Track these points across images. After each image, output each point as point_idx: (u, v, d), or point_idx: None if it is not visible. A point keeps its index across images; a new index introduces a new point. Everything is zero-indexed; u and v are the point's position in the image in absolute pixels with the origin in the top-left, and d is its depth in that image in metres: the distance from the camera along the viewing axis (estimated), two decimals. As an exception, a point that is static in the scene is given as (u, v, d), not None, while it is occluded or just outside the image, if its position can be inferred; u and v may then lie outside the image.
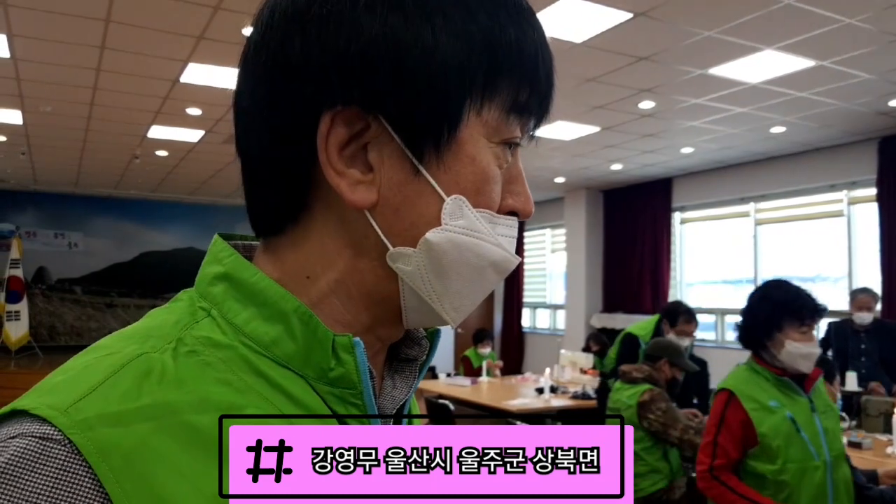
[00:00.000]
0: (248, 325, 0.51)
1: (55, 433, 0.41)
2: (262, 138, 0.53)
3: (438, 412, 5.73)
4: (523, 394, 6.26)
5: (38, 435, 0.41)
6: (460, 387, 6.63)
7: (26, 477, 0.39)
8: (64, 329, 12.71)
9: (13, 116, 6.97)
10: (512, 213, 0.55)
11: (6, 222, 12.14)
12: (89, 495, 0.40)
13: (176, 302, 0.54)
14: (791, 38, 4.71)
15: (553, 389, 6.22)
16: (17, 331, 10.50)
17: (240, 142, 0.56)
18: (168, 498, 0.41)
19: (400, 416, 0.58)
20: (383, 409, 0.56)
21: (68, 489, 0.40)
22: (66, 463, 0.40)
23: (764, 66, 5.22)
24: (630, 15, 4.42)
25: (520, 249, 12.55)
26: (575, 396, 6.07)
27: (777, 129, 7.03)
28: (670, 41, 4.83)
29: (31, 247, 12.14)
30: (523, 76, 0.53)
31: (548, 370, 6.64)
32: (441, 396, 6.12)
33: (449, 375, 7.58)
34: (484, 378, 7.07)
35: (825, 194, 7.96)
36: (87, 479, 0.40)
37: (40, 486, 0.39)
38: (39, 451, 0.40)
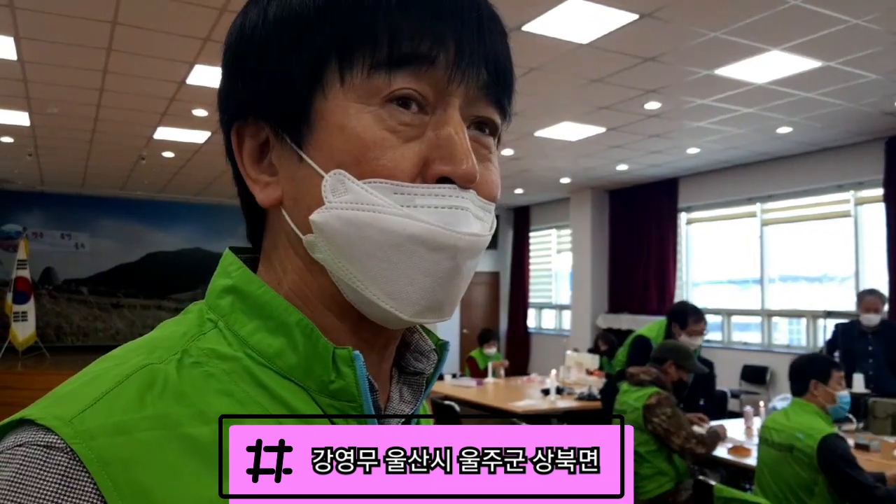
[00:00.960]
0: (252, 337, 0.52)
1: (59, 442, 0.42)
2: (228, 153, 0.59)
3: (444, 413, 5.73)
4: (529, 395, 6.25)
5: (42, 444, 0.42)
6: (466, 388, 6.63)
7: (32, 484, 0.41)
8: (71, 329, 12.76)
9: (20, 118, 7.00)
10: (445, 180, 0.50)
11: (13, 223, 12.19)
12: (92, 501, 0.41)
13: (186, 314, 0.56)
14: (797, 38, 4.69)
15: (559, 391, 6.21)
16: (25, 331, 10.54)
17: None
18: None
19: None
20: (389, 423, 0.57)
21: (71, 496, 0.41)
22: (68, 470, 0.41)
23: (770, 66, 5.21)
24: (636, 16, 4.42)
25: (525, 250, 12.65)
26: (581, 398, 6.06)
27: (783, 130, 7.01)
28: (676, 42, 4.82)
29: (38, 247, 12.19)
30: (374, 25, 0.49)
31: (553, 371, 6.63)
32: (446, 398, 6.12)
33: (454, 376, 7.58)
34: (490, 379, 7.06)
35: (832, 195, 7.93)
36: (89, 487, 0.41)
37: (45, 493, 0.41)
38: (44, 458, 0.42)
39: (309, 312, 0.53)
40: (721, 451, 4.05)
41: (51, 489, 0.41)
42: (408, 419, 0.58)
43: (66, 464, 0.41)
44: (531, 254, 12.62)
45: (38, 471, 0.41)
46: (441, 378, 7.44)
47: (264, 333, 0.52)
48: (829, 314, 5.80)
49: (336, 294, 0.53)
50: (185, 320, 0.55)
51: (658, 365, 4.02)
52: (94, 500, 0.41)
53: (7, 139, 8.03)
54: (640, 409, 3.82)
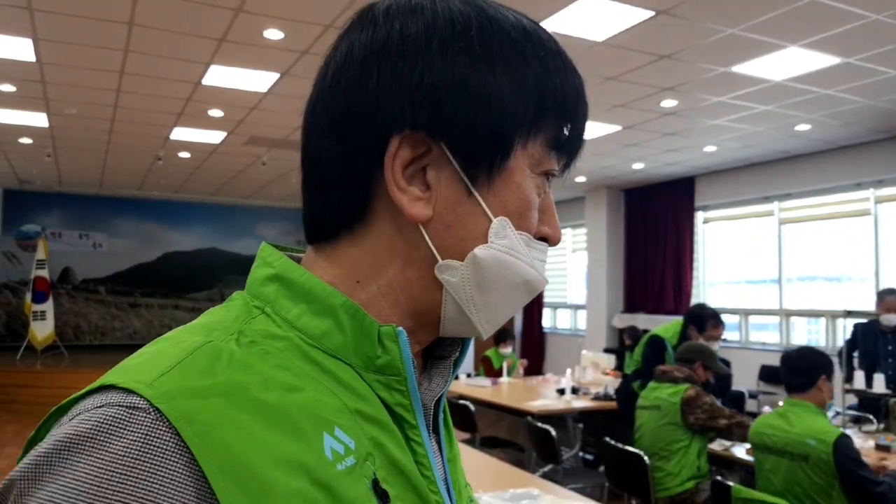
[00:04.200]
0: (299, 320, 0.56)
1: (141, 402, 0.44)
2: (333, 152, 0.58)
3: (459, 413, 5.72)
4: (544, 395, 6.23)
5: (125, 404, 0.44)
6: (481, 387, 6.62)
7: (112, 441, 0.42)
8: (89, 328, 12.88)
9: (39, 119, 7.08)
10: (543, 238, 0.62)
11: (32, 223, 12.33)
12: (174, 458, 0.43)
13: (231, 301, 0.59)
14: (816, 34, 4.64)
15: (574, 390, 6.19)
16: (43, 330, 10.66)
17: (308, 152, 0.61)
18: (247, 460, 0.44)
19: (437, 408, 0.64)
20: (424, 402, 0.61)
21: (153, 452, 0.43)
22: (150, 429, 0.43)
23: (788, 63, 5.16)
24: (652, 13, 4.39)
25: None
26: (597, 397, 6.03)
27: (802, 127, 6.94)
28: (692, 39, 4.79)
29: (57, 247, 12.32)
30: (564, 117, 0.60)
31: (569, 371, 6.61)
32: (462, 397, 6.11)
33: (469, 376, 7.57)
34: (505, 379, 7.05)
35: (851, 193, 7.84)
36: (171, 443, 0.43)
37: (127, 450, 0.42)
38: (127, 418, 0.44)
39: (391, 315, 0.59)
40: (740, 452, 4.02)
41: (132, 446, 0.42)
42: (437, 403, 0.64)
43: (148, 422, 0.43)
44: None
45: (118, 429, 0.43)
46: (456, 378, 7.43)
47: (310, 316, 0.56)
48: (848, 314, 5.72)
49: (433, 310, 0.59)
50: (233, 306, 0.58)
51: (688, 365, 4.06)
52: (177, 456, 0.43)
53: (26, 140, 8.12)
54: (678, 403, 3.87)
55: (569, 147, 0.62)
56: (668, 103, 6.24)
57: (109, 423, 0.43)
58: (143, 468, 0.42)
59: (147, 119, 7.07)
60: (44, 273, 10.70)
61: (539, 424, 4.71)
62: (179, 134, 7.68)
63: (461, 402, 5.76)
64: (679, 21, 4.50)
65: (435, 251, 0.57)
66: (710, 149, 8.00)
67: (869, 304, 6.92)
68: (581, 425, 5.70)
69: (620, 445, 4.00)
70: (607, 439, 4.12)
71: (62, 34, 4.84)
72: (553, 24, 4.53)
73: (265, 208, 13.65)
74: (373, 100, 0.56)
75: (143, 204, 13.12)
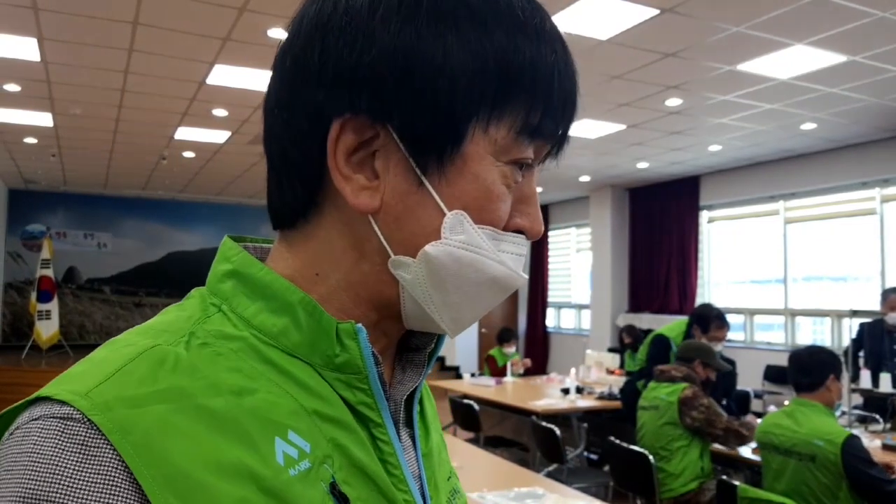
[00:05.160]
0: (256, 318, 0.53)
1: (76, 413, 0.43)
2: (282, 136, 0.55)
3: (463, 412, 5.72)
4: (548, 394, 6.21)
5: (59, 416, 0.43)
6: (485, 387, 6.61)
7: (51, 454, 0.41)
8: (93, 328, 12.91)
9: (44, 119, 7.09)
10: (519, 231, 0.56)
11: (37, 223, 12.36)
12: (113, 472, 0.41)
13: (188, 299, 0.57)
14: (822, 32, 4.62)
15: (579, 390, 6.17)
16: (48, 330, 10.68)
17: (265, 140, 0.58)
18: (187, 469, 0.42)
19: (410, 403, 0.61)
20: (394, 397, 0.59)
21: (92, 464, 0.41)
22: (87, 440, 0.42)
23: (794, 61, 5.14)
24: (656, 11, 4.37)
25: (544, 249, 12.61)
26: (601, 397, 6.02)
27: (807, 126, 6.92)
28: (698, 37, 4.77)
29: (62, 247, 12.35)
30: (535, 98, 0.53)
31: (573, 370, 6.60)
32: (465, 396, 6.10)
33: (473, 375, 7.56)
34: (509, 378, 7.04)
35: (857, 192, 7.81)
36: (109, 455, 0.41)
37: (65, 462, 0.41)
38: (62, 430, 0.42)
39: (353, 307, 0.56)
40: (746, 451, 4.01)
41: (71, 459, 0.41)
42: (410, 399, 0.60)
43: (84, 433, 0.42)
44: (550, 253, 12.57)
45: (56, 441, 0.41)
46: (460, 377, 7.43)
47: (267, 314, 0.53)
48: (854, 313, 5.70)
49: (394, 304, 0.56)
50: (189, 305, 0.55)
51: (686, 364, 4.03)
52: (116, 469, 0.41)
53: (31, 140, 8.13)
54: (675, 402, 3.84)
55: (545, 133, 0.55)
56: (673, 102, 6.22)
57: (47, 436, 0.42)
58: (82, 479, 0.41)
59: (151, 119, 7.08)
60: (49, 273, 10.72)
61: (543, 424, 4.70)
62: (184, 133, 7.68)
63: (465, 401, 5.76)
64: (684, 19, 4.48)
65: (386, 245, 0.53)
66: (715, 148, 7.97)
67: (874, 303, 6.89)
68: (585, 425, 5.68)
69: (625, 445, 3.98)
70: (612, 439, 4.11)
71: (67, 34, 4.85)
72: (556, 23, 4.51)
73: (269, 208, 13.64)
74: (314, 80, 0.52)
75: (147, 204, 13.14)
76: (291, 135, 0.54)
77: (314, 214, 0.56)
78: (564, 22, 4.52)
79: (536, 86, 0.53)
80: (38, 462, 0.41)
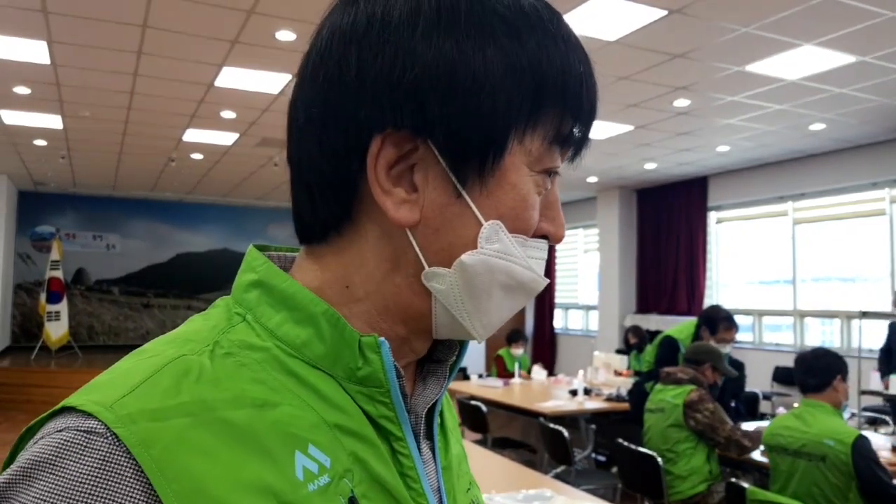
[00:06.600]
0: (280, 329, 0.53)
1: (99, 426, 0.43)
2: (312, 150, 0.55)
3: (471, 413, 5.71)
4: (556, 395, 6.20)
5: (83, 428, 0.43)
6: (492, 388, 6.61)
7: (70, 466, 0.42)
8: (102, 329, 12.97)
9: (54, 121, 7.13)
10: (543, 236, 0.57)
11: (47, 225, 12.44)
12: (131, 484, 0.42)
13: (213, 308, 0.57)
14: (831, 33, 4.60)
15: (587, 391, 6.16)
16: (58, 330, 10.74)
17: (291, 151, 0.58)
18: (207, 486, 0.43)
19: (431, 415, 0.61)
20: (415, 409, 0.59)
21: (110, 477, 0.42)
22: (108, 454, 0.42)
23: (803, 61, 5.12)
24: (665, 12, 4.36)
25: (551, 250, 12.53)
26: (609, 398, 6.00)
27: (816, 126, 6.89)
28: (706, 38, 4.76)
29: (71, 248, 12.42)
30: (566, 108, 0.54)
31: (581, 372, 6.58)
32: (473, 398, 6.10)
33: (481, 376, 7.56)
34: (516, 380, 7.03)
35: (866, 192, 7.77)
36: (128, 469, 0.42)
37: (83, 475, 0.41)
38: (84, 442, 0.42)
39: (381, 321, 0.56)
40: (755, 454, 3.99)
41: (89, 472, 0.41)
42: (431, 410, 0.60)
43: (106, 447, 0.42)
44: (557, 254, 12.55)
45: (78, 456, 0.42)
46: (467, 378, 7.43)
47: (291, 325, 0.53)
48: (864, 314, 5.67)
49: (424, 317, 0.56)
50: (213, 314, 0.56)
51: (696, 366, 4.00)
52: (135, 482, 0.42)
53: (41, 142, 8.18)
54: (680, 405, 3.82)
55: (574, 140, 0.56)
56: (681, 103, 6.21)
57: (68, 448, 0.42)
58: (99, 494, 0.41)
59: (160, 121, 7.11)
60: (58, 274, 10.78)
61: (551, 425, 4.70)
62: (192, 135, 7.71)
63: (473, 402, 5.76)
64: (692, 20, 4.47)
65: (422, 257, 0.53)
66: (723, 148, 7.95)
67: (884, 304, 6.86)
68: (593, 426, 5.67)
69: (633, 446, 3.98)
70: (620, 440, 4.10)
71: (76, 37, 4.88)
72: (565, 24, 4.52)
73: (277, 209, 13.69)
74: (352, 96, 0.52)
75: (156, 205, 13.20)
76: (325, 150, 0.54)
77: (348, 228, 0.55)
78: (573, 23, 4.48)
79: (567, 95, 0.54)
80: (58, 476, 0.41)
